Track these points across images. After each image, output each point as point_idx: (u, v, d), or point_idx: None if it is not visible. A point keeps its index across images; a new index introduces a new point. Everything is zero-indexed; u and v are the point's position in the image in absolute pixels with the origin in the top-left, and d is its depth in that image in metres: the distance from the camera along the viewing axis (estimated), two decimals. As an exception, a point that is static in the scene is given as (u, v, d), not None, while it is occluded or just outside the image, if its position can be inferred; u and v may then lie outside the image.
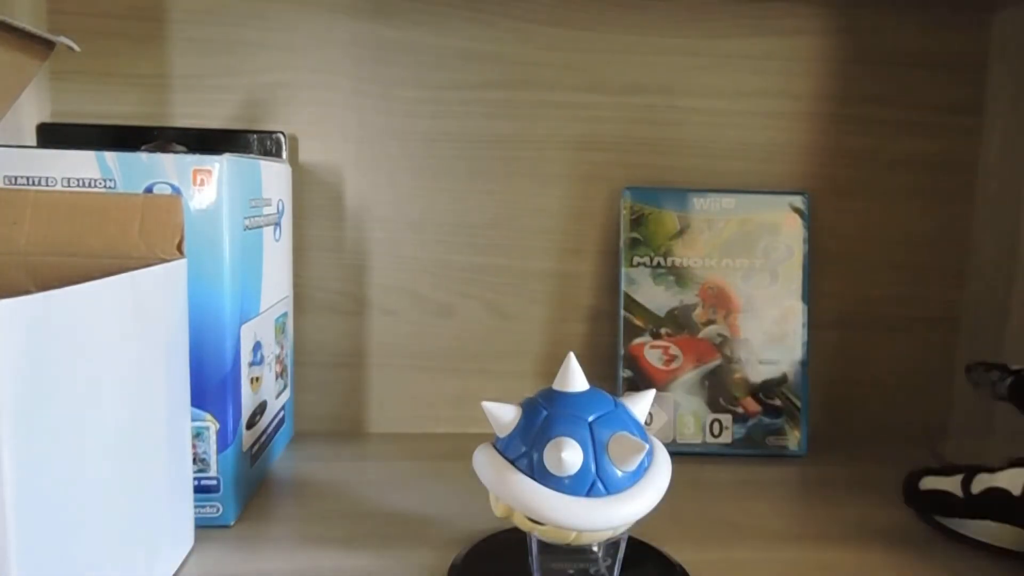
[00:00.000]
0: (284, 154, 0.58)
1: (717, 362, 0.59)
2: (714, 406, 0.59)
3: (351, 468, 0.54)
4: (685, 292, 0.59)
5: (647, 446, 0.33)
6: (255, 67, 0.59)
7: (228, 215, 0.43)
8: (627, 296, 0.59)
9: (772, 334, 0.59)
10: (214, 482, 0.44)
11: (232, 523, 0.45)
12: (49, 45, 0.39)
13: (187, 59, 0.58)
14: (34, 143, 0.56)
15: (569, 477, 0.33)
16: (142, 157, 0.41)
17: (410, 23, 0.59)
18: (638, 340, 0.59)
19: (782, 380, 0.59)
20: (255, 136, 0.57)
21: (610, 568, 0.37)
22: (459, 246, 0.62)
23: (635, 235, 0.60)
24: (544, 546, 0.36)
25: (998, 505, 0.41)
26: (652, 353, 0.59)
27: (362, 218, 0.61)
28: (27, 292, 0.25)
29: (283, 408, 0.57)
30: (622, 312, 0.59)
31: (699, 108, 0.62)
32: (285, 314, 0.57)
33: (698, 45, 0.61)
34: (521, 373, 0.63)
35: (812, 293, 0.62)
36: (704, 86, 0.62)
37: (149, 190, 0.41)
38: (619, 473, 0.34)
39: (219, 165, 0.42)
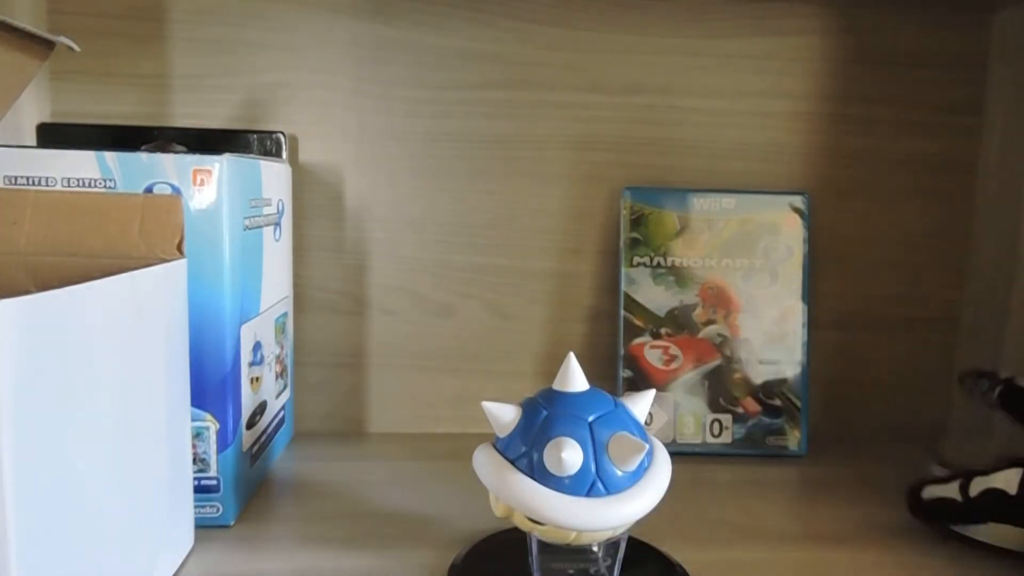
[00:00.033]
0: (284, 154, 0.58)
1: (717, 362, 0.59)
2: (714, 406, 0.59)
3: (351, 468, 0.54)
4: (685, 292, 0.59)
5: (647, 446, 0.33)
6: (255, 67, 0.59)
7: (228, 215, 0.43)
8: (627, 296, 0.59)
9: (772, 334, 0.59)
10: (214, 482, 0.44)
11: (232, 523, 0.45)
12: (49, 45, 0.39)
13: (187, 59, 0.58)
14: (34, 143, 0.56)
15: (569, 477, 0.33)
16: (142, 157, 0.41)
17: (410, 23, 0.59)
18: (638, 340, 0.59)
19: (782, 380, 0.59)
20: (255, 136, 0.57)
21: (610, 568, 0.37)
22: (459, 246, 0.62)
23: (635, 235, 0.60)
24: (544, 546, 0.36)
25: (997, 505, 0.41)
26: (652, 353, 0.59)
27: (362, 218, 0.61)
28: (27, 292, 0.25)
29: (283, 408, 0.57)
30: (622, 312, 0.59)
31: (699, 108, 0.62)
32: (285, 314, 0.57)
33: (698, 45, 0.61)
34: (521, 373, 0.63)
35: (812, 293, 0.62)
36: (704, 86, 0.62)
37: (149, 190, 0.41)
38: (619, 473, 0.34)
39: (219, 165, 0.42)
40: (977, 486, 0.43)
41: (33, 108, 0.56)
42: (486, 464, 0.35)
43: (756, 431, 0.59)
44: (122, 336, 0.32)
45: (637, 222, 0.60)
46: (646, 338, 0.59)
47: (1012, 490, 0.40)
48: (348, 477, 0.53)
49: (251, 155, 0.52)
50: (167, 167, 0.41)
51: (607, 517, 0.33)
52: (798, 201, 0.60)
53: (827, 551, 0.44)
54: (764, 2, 0.61)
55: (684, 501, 0.50)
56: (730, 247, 0.59)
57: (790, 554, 0.43)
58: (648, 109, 0.62)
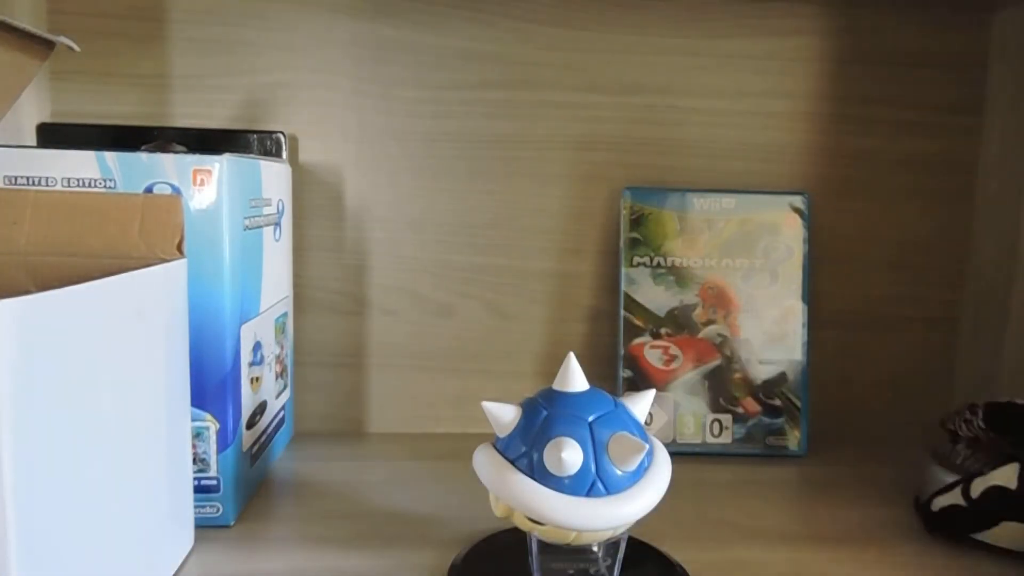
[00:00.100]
0: (284, 154, 0.58)
1: (717, 362, 0.59)
2: (714, 406, 0.59)
3: (351, 468, 0.54)
4: (685, 292, 0.59)
5: (647, 446, 0.33)
6: (255, 67, 0.59)
7: (228, 215, 0.43)
8: (627, 296, 0.59)
9: (772, 334, 0.59)
10: (214, 482, 0.44)
11: (232, 523, 0.45)
12: (49, 45, 0.39)
13: (187, 59, 0.58)
14: (34, 143, 0.56)
15: (569, 477, 0.33)
16: (142, 157, 0.41)
17: (410, 23, 0.59)
18: (638, 340, 0.59)
19: (782, 380, 0.59)
20: (255, 136, 0.57)
21: (610, 568, 0.37)
22: (459, 246, 0.62)
23: (635, 235, 0.60)
24: (544, 546, 0.36)
25: (1001, 503, 0.41)
26: (652, 353, 0.59)
27: (362, 218, 0.61)
28: (27, 292, 0.25)
29: (283, 408, 0.57)
30: (622, 312, 0.59)
31: (699, 108, 0.62)
32: (285, 314, 0.57)
33: (698, 45, 0.61)
34: (521, 373, 0.63)
35: (812, 293, 0.62)
36: (704, 86, 0.62)
37: (149, 190, 0.41)
38: (619, 473, 0.34)
39: (219, 165, 0.42)
40: (978, 487, 0.43)
41: (33, 108, 0.56)
42: (486, 464, 0.35)
43: (756, 431, 0.59)
44: (122, 336, 0.32)
45: (637, 222, 0.60)
46: (646, 338, 0.59)
47: (1012, 485, 0.41)
48: (348, 477, 0.53)
49: (251, 155, 0.52)
50: (167, 167, 0.41)
51: (607, 517, 0.33)
52: (798, 201, 0.60)
53: (827, 551, 0.44)
54: (764, 2, 0.61)
55: (684, 501, 0.50)
56: (730, 247, 0.59)
57: (790, 554, 0.43)
58: (648, 109, 0.62)
